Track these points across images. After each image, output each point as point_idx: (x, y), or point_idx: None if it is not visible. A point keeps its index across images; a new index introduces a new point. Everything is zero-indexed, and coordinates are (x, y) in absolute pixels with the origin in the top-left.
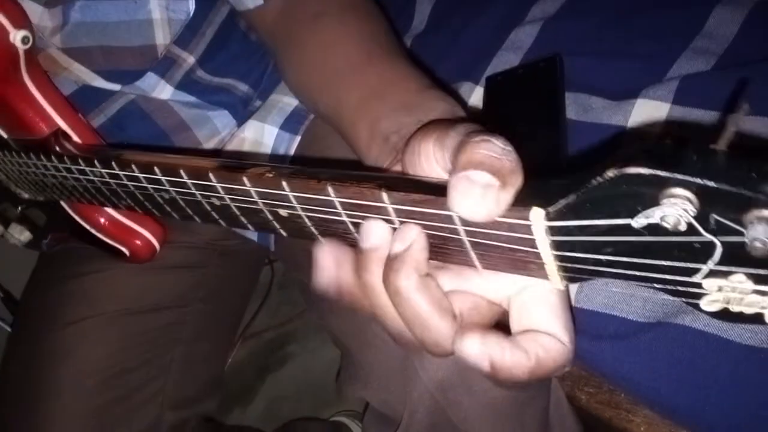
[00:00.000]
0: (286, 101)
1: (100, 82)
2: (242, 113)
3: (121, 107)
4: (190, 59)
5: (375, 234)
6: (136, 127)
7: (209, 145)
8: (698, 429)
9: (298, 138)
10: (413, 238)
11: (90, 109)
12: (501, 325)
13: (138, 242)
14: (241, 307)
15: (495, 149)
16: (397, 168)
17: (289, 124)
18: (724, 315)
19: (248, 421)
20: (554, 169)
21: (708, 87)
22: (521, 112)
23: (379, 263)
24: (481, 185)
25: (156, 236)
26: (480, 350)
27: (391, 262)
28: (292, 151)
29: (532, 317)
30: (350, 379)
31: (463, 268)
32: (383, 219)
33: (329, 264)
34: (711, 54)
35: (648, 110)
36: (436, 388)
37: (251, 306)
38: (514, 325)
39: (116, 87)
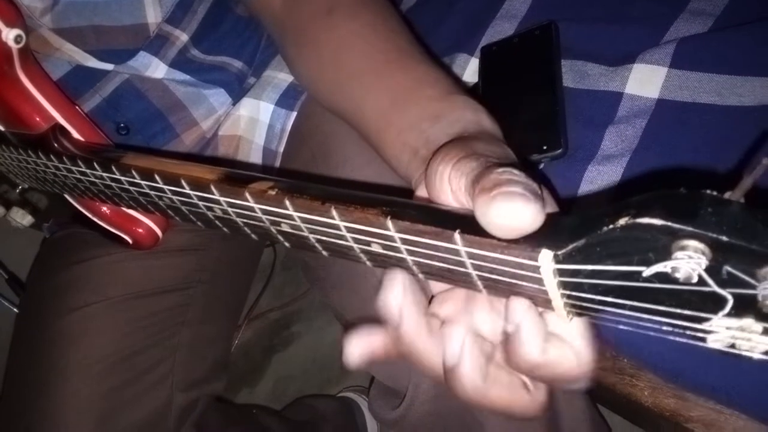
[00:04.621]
0: (281, 77)
1: (93, 62)
2: (238, 90)
3: (116, 87)
4: (183, 37)
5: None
6: (132, 106)
7: (206, 123)
8: (702, 392)
9: (294, 114)
10: None
11: (85, 90)
12: None
13: (140, 230)
14: (245, 287)
15: (518, 176)
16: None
17: (285, 100)
18: (731, 352)
19: (256, 401)
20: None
21: (705, 49)
22: (518, 82)
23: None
24: (518, 193)
25: (158, 224)
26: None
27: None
28: (288, 127)
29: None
30: None
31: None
32: (387, 244)
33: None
34: (708, 15)
35: (645, 75)
36: None
37: (255, 287)
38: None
39: (109, 67)
